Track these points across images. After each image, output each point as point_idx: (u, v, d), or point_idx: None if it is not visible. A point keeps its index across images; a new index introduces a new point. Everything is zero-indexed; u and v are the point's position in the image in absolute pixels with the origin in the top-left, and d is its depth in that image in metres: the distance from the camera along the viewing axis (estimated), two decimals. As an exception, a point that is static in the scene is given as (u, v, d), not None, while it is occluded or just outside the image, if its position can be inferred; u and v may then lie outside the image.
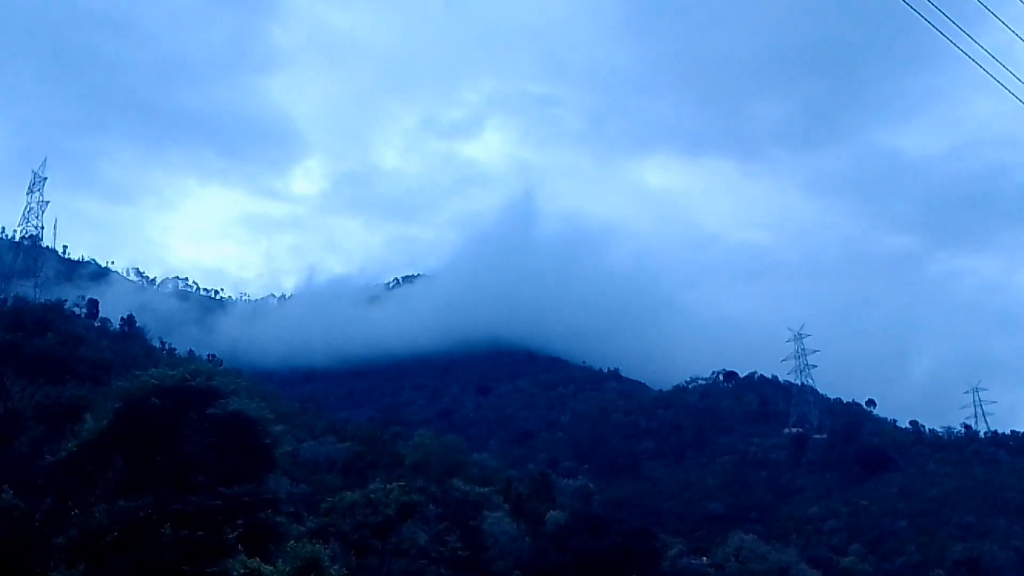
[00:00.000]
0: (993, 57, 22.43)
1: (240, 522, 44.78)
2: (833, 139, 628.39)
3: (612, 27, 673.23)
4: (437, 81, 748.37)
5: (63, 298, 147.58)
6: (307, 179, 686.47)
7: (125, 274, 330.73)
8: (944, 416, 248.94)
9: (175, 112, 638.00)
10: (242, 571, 39.91)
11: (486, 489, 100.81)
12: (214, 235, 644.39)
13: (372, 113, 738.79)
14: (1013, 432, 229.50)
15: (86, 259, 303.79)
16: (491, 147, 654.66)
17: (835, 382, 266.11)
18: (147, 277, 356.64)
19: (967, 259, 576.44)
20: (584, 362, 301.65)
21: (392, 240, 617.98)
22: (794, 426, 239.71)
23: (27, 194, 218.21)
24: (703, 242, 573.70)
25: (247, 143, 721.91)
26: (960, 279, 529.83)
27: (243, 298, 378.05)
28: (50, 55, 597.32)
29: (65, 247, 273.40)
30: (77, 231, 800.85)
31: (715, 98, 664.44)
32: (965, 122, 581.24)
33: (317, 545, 45.15)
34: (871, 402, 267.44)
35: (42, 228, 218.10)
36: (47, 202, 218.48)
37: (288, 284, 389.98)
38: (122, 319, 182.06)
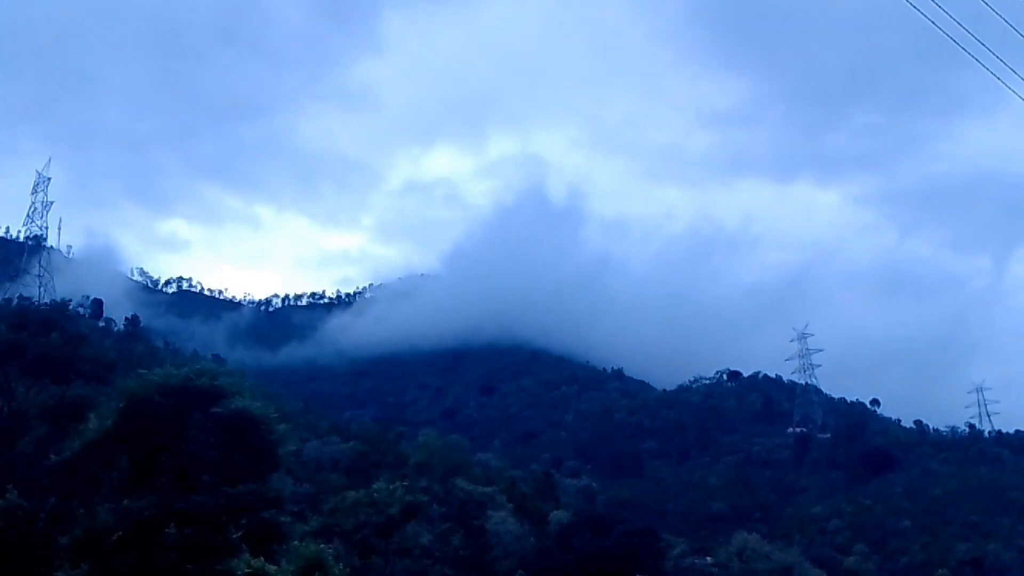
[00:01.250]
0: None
1: (244, 522, 44.88)
2: (909, 154, 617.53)
3: (694, 51, 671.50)
4: (523, 111, 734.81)
5: (67, 298, 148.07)
6: (377, 207, 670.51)
7: (129, 274, 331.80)
8: (948, 415, 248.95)
9: (250, 134, 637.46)
10: (246, 570, 39.93)
11: (490, 489, 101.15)
12: (275, 263, 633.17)
13: (447, 143, 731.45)
14: (1017, 432, 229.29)
15: (90, 259, 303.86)
16: (563, 176, 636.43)
17: (838, 382, 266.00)
18: (151, 277, 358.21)
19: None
20: (588, 362, 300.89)
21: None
22: (798, 426, 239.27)
23: (31, 194, 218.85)
24: (745, 252, 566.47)
25: (317, 172, 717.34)
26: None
27: (247, 300, 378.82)
28: (152, 57, 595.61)
29: (69, 247, 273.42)
30: (136, 247, 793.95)
31: (794, 117, 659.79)
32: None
33: (321, 544, 45.23)
34: (875, 401, 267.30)
35: (47, 228, 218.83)
36: (51, 202, 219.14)
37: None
38: (126, 319, 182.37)
